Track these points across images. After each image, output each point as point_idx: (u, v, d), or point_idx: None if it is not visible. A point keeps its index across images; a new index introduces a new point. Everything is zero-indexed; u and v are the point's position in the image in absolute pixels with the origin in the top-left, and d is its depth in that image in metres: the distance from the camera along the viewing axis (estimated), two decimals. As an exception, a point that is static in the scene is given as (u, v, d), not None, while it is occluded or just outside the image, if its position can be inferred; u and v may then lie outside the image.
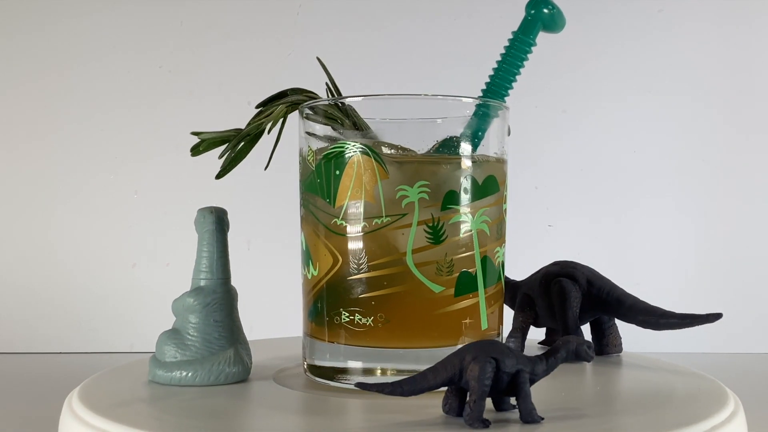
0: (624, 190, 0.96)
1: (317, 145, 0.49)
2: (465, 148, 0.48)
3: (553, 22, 0.49)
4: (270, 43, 0.96)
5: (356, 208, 0.47)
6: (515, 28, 0.51)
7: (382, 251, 0.47)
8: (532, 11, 0.49)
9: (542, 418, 0.40)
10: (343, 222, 0.47)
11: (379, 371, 0.48)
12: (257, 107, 0.52)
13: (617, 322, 0.60)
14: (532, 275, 0.62)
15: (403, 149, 0.48)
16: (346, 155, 0.47)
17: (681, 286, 0.95)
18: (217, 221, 0.51)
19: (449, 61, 0.95)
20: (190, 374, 0.48)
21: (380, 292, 0.47)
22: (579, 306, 0.57)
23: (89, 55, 0.96)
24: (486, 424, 0.39)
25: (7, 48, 0.96)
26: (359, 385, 0.40)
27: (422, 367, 0.42)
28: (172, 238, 0.95)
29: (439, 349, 0.46)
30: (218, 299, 0.50)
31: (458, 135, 0.48)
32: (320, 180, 0.48)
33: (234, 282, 0.52)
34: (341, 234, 0.47)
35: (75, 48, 0.96)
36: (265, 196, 0.94)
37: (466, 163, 0.48)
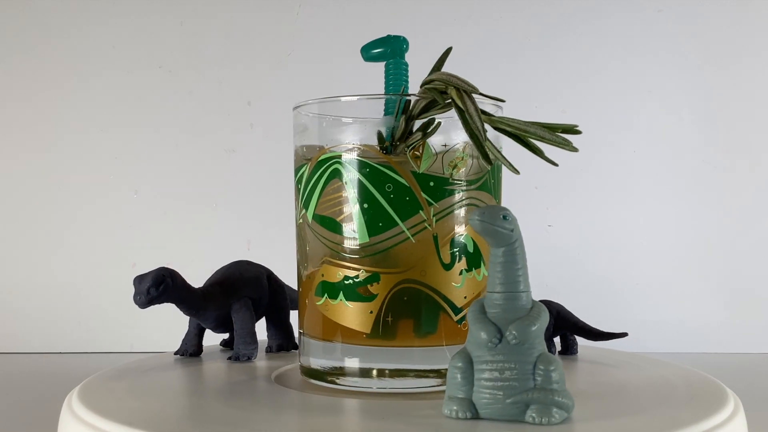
0: (624, 190, 0.96)
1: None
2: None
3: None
4: (270, 43, 0.96)
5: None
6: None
7: None
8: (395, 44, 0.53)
9: None
10: None
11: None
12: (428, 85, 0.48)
13: None
14: None
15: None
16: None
17: (681, 286, 0.95)
18: None
19: (448, 61, 0.95)
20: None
21: None
22: None
23: (89, 55, 0.96)
24: None
25: (7, 48, 0.96)
26: None
27: None
28: (172, 238, 0.95)
29: None
30: None
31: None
32: (494, 180, 0.50)
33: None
34: None
35: (75, 48, 0.96)
36: (266, 196, 0.94)
37: None
